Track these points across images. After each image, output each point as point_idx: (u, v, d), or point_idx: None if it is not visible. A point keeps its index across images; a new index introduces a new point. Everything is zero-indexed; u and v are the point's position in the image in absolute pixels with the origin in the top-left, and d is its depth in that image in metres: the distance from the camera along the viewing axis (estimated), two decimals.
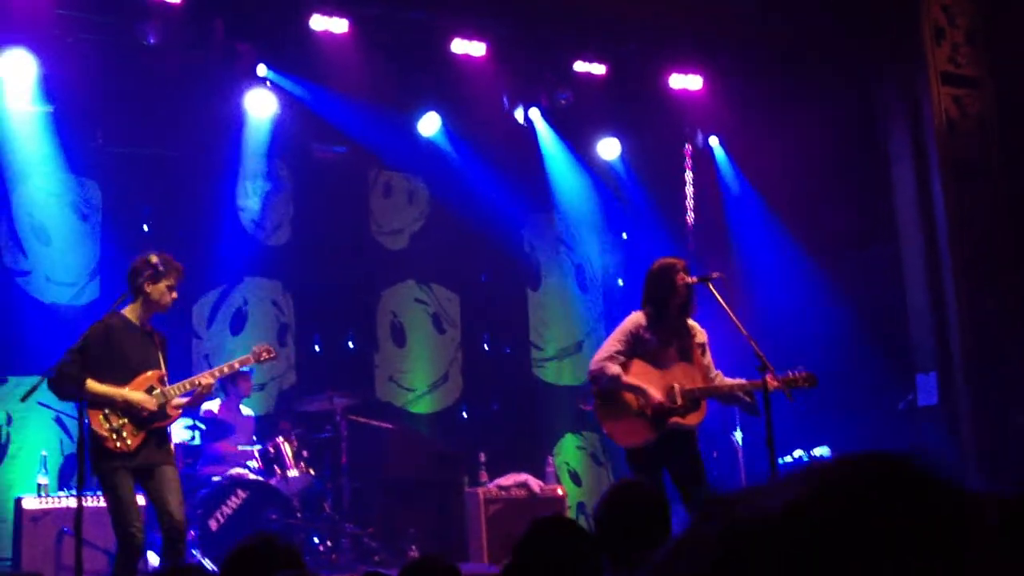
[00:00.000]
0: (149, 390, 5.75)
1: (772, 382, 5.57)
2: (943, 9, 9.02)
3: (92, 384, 5.54)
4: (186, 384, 5.89)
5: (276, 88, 9.23)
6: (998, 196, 8.87)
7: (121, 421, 5.62)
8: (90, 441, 5.55)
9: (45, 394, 5.84)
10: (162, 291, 5.78)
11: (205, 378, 5.96)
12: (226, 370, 6.21)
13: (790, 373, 5.70)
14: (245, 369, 8.42)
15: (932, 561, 0.66)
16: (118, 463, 5.57)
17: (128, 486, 5.59)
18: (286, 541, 2.74)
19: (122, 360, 5.68)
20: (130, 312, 5.82)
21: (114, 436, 5.56)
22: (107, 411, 5.60)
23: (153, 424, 5.72)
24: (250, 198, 9.84)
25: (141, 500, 5.84)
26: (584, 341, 10.81)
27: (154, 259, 5.80)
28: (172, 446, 6.01)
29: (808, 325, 9.71)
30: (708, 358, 6.05)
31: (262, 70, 9.07)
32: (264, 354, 6.36)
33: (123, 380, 5.69)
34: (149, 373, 5.80)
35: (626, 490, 3.68)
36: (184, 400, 5.92)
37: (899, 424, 9.05)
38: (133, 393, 5.68)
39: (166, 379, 5.87)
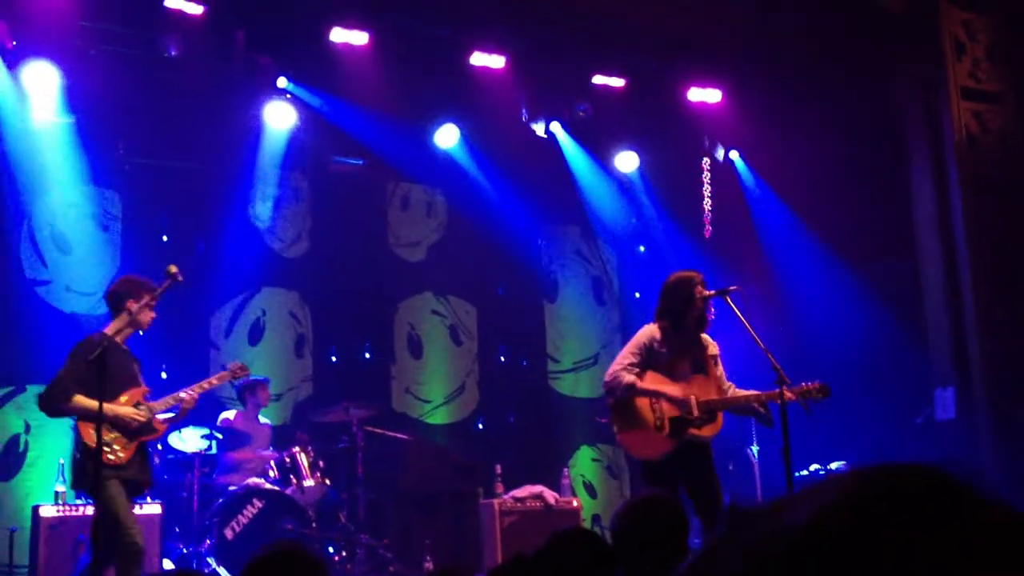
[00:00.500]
0: (135, 406, 5.95)
1: (786, 393, 5.56)
2: (963, 24, 9.00)
3: (80, 399, 5.71)
4: (169, 400, 6.13)
5: (295, 100, 9.28)
6: (1018, 211, 8.82)
7: (112, 435, 5.80)
8: (82, 455, 5.78)
9: None
10: (142, 309, 5.96)
11: (187, 394, 6.16)
12: (205, 386, 6.36)
13: (804, 384, 5.69)
14: (259, 379, 8.48)
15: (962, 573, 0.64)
16: (111, 475, 5.72)
17: (123, 494, 5.76)
18: (309, 550, 2.73)
19: (109, 377, 5.74)
20: (111, 331, 5.99)
21: (106, 449, 5.71)
22: (99, 426, 5.75)
23: (141, 438, 5.94)
24: (269, 210, 9.88)
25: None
26: (600, 354, 10.79)
27: (134, 279, 6.08)
28: (152, 464, 6.28)
29: (825, 338, 9.68)
30: (721, 370, 6.04)
31: (282, 82, 9.12)
32: (239, 371, 6.73)
33: (111, 396, 5.81)
34: (134, 390, 6.00)
35: (646, 503, 3.66)
36: (169, 415, 6.17)
37: (916, 439, 9.00)
38: (122, 408, 5.87)
39: (148, 395, 6.11)
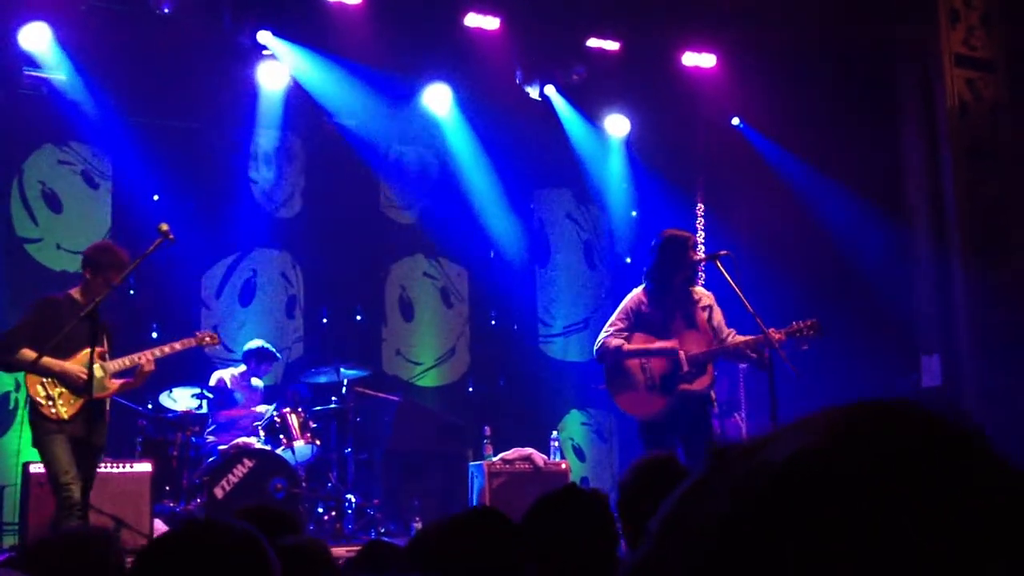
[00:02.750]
0: (87, 365, 5.84)
1: (776, 334, 5.62)
2: None
3: (27, 353, 5.75)
4: (126, 360, 6.14)
5: (288, 60, 9.22)
6: (1008, 179, 8.84)
7: (58, 390, 5.87)
8: (30, 409, 5.90)
9: None
10: (101, 282, 5.92)
11: (146, 356, 6.19)
12: (166, 350, 6.35)
13: (794, 323, 5.75)
14: (272, 352, 8.49)
15: (957, 507, 0.62)
16: (54, 430, 5.81)
17: (64, 448, 5.79)
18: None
19: (65, 336, 5.72)
20: (77, 293, 6.05)
21: (49, 403, 5.83)
22: (45, 380, 5.87)
23: (92, 396, 5.75)
24: (261, 170, 9.85)
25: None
26: (591, 318, 10.81)
27: (109, 254, 6.05)
28: (106, 425, 6.14)
29: (813, 304, 9.69)
30: (718, 318, 6.08)
31: (273, 42, 9.06)
32: (207, 339, 6.70)
33: (64, 354, 5.86)
34: (89, 349, 5.82)
35: (651, 464, 3.73)
36: (119, 381, 6.16)
37: None
38: (68, 364, 5.88)
39: (107, 356, 6.09)
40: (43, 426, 5.86)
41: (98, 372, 5.87)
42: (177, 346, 6.47)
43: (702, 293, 6.12)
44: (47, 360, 5.79)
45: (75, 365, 5.89)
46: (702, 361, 5.92)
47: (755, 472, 0.66)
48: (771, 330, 5.65)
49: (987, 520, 0.62)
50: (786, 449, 0.66)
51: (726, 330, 6.06)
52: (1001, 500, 0.63)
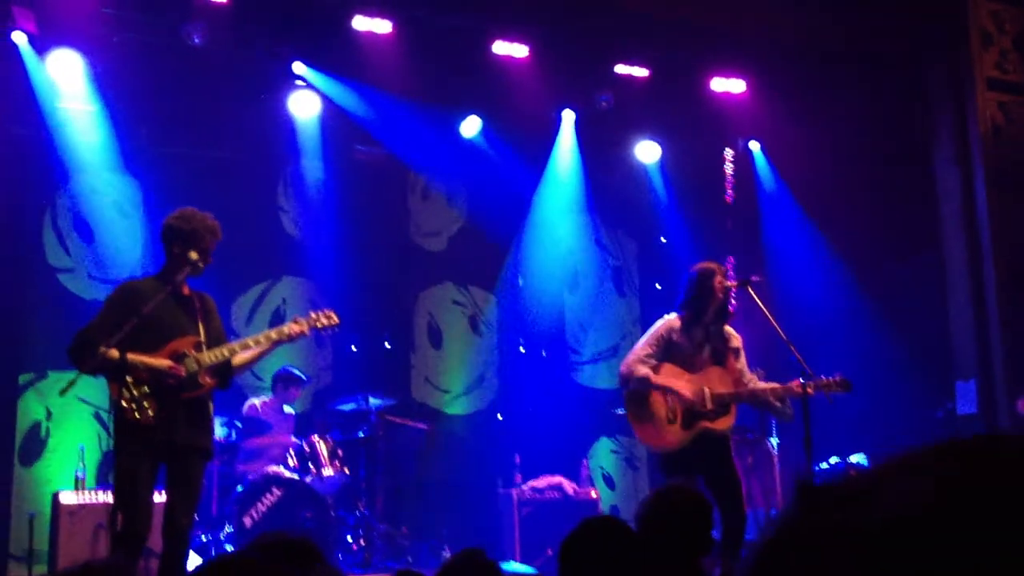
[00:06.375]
0: (180, 357, 5.18)
1: (805, 387, 5.53)
2: (991, 15, 8.90)
3: (111, 352, 4.98)
4: (224, 351, 5.29)
5: (318, 89, 9.28)
6: None
7: (143, 390, 5.05)
8: (113, 415, 5.06)
9: (85, 389, 5.84)
10: (192, 255, 5.24)
11: (253, 341, 5.42)
12: (273, 336, 5.47)
13: (824, 378, 5.65)
14: (301, 376, 8.48)
15: None
16: (140, 442, 5.01)
17: (145, 479, 5.03)
18: (303, 536, 2.72)
19: (150, 326, 5.09)
20: (162, 275, 5.34)
21: (134, 406, 5.01)
22: (129, 380, 5.02)
23: (182, 395, 5.14)
24: (290, 198, 9.90)
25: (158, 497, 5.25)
26: (620, 344, 10.76)
27: (195, 219, 5.33)
28: (211, 427, 5.36)
29: (848, 331, 9.63)
30: (743, 362, 6.01)
31: (305, 71, 9.12)
32: (323, 319, 5.67)
33: (150, 348, 5.12)
34: (183, 339, 5.23)
35: (671, 493, 3.73)
36: (213, 380, 5.31)
37: (937, 433, 8.95)
38: (155, 359, 5.10)
39: (203, 346, 5.26)
40: (125, 434, 5.01)
41: (191, 366, 5.16)
42: (292, 330, 5.51)
43: (732, 334, 6.06)
44: (133, 357, 5.02)
45: (162, 359, 5.12)
46: (727, 401, 5.85)
47: (860, 527, 0.63)
48: (796, 382, 5.58)
49: None
50: (898, 502, 0.64)
51: (748, 375, 5.99)
52: None
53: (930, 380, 9.21)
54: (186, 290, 5.37)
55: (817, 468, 8.32)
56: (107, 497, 6.86)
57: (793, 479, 0.71)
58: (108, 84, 8.74)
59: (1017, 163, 8.78)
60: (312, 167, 9.92)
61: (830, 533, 0.65)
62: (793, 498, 0.69)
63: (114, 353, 4.99)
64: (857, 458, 8.49)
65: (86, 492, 7.27)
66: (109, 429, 5.13)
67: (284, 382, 8.47)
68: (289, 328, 5.51)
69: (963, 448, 0.67)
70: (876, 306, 9.71)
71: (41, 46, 8.40)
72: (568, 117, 10.11)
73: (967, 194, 8.92)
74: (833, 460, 8.59)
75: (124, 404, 5.01)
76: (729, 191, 10.62)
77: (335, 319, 5.72)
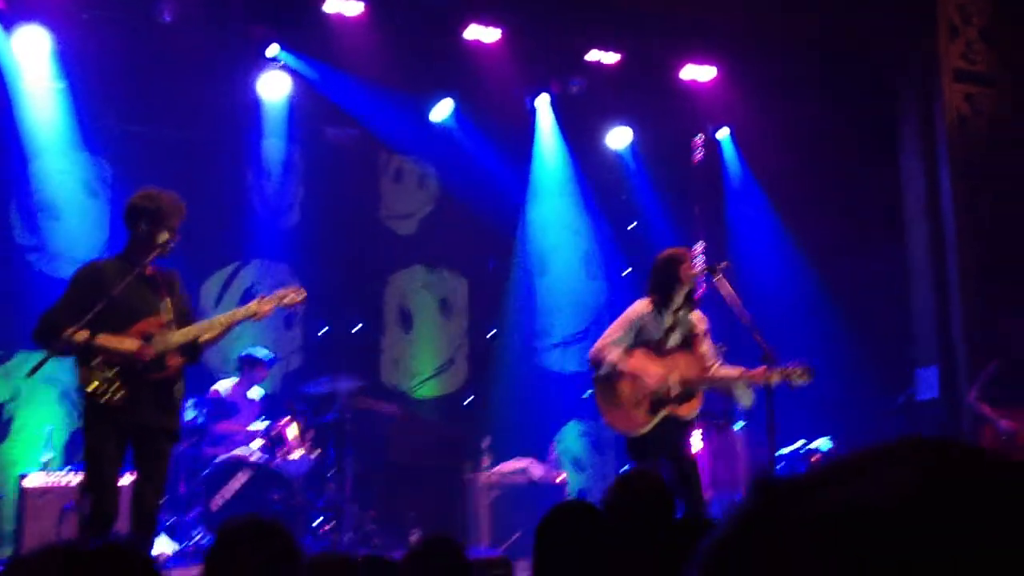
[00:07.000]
0: (148, 339, 5.12)
1: (769, 374, 5.58)
2: (958, 7, 8.99)
3: (78, 333, 4.92)
4: (192, 330, 5.24)
5: (289, 70, 9.23)
6: (1006, 193, 8.85)
7: (112, 372, 4.98)
8: (81, 396, 5.06)
9: (53, 369, 5.79)
10: (155, 235, 5.19)
11: (218, 321, 5.38)
12: (240, 315, 5.40)
13: (788, 366, 5.70)
14: (264, 358, 8.46)
15: None
16: (108, 423, 4.98)
17: (113, 461, 5.01)
18: (274, 521, 2.74)
19: (117, 307, 5.03)
20: (126, 254, 5.28)
21: (103, 388, 4.96)
22: (95, 362, 4.98)
23: (150, 375, 5.09)
24: (260, 179, 9.85)
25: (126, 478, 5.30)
26: (590, 329, 10.80)
27: (157, 198, 5.26)
28: (179, 409, 5.34)
29: (812, 317, 9.74)
30: (708, 346, 6.07)
31: (276, 51, 9.07)
32: (292, 294, 5.59)
33: (116, 328, 5.06)
34: (150, 320, 5.18)
35: (636, 478, 3.79)
36: (181, 359, 5.25)
37: (897, 418, 9.10)
38: (123, 341, 5.04)
39: (172, 325, 5.20)
40: (93, 416, 4.98)
41: (159, 347, 5.10)
42: (258, 307, 5.38)
43: (700, 318, 6.11)
44: (101, 338, 4.97)
45: (129, 340, 5.04)
46: (693, 387, 5.90)
47: (819, 520, 0.64)
48: (763, 368, 5.62)
49: None
50: (850, 496, 0.64)
51: (712, 359, 6.04)
52: None
53: (892, 366, 9.35)
54: (150, 270, 5.31)
55: (781, 453, 8.43)
56: (74, 479, 6.84)
57: (752, 472, 0.71)
58: (77, 61, 8.65)
59: (982, 154, 8.89)
60: (282, 148, 9.87)
61: (786, 525, 0.65)
62: (749, 492, 0.70)
63: (82, 335, 4.94)
64: (822, 443, 8.60)
65: (52, 474, 7.23)
66: (78, 410, 5.06)
67: (249, 364, 8.45)
68: (257, 306, 5.44)
69: (915, 445, 0.68)
70: (840, 293, 9.83)
71: (8, 21, 8.30)
72: (544, 101, 10.13)
73: (932, 184, 9.03)
74: (798, 444, 8.71)
75: (93, 386, 4.97)
76: (699, 177, 10.69)
77: (302, 294, 5.66)
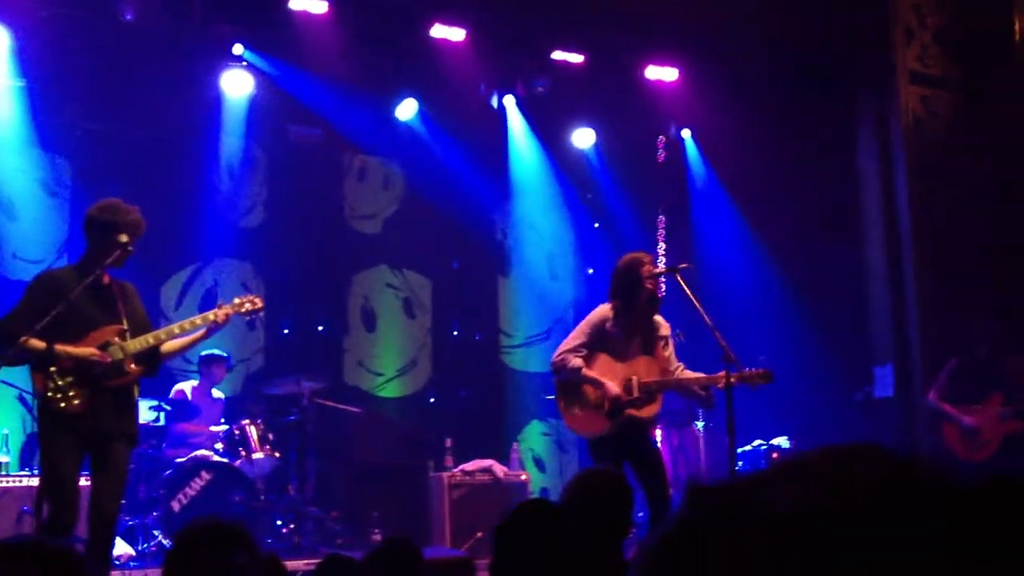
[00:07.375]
0: (104, 346, 5.14)
1: (729, 378, 5.63)
2: (914, 8, 9.11)
3: (34, 342, 4.92)
4: (149, 339, 5.25)
5: (253, 68, 9.20)
6: (960, 193, 8.98)
7: (68, 379, 5.00)
8: (37, 405, 5.06)
9: (8, 372, 5.72)
10: (115, 242, 5.18)
11: (179, 328, 5.39)
12: (198, 322, 5.41)
13: (747, 370, 5.75)
14: (218, 354, 8.42)
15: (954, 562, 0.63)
16: (65, 430, 4.98)
17: (70, 467, 5.00)
18: (234, 521, 2.75)
19: (72, 316, 5.03)
20: (82, 263, 5.27)
21: (59, 396, 4.97)
22: (52, 369, 4.99)
23: (107, 382, 5.10)
24: (223, 179, 9.80)
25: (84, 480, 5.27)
26: (553, 329, 10.85)
27: (115, 209, 5.26)
28: (136, 413, 5.35)
29: (771, 317, 9.84)
30: (670, 351, 6.11)
31: (239, 50, 9.03)
32: (248, 304, 5.66)
33: (74, 337, 5.08)
34: (105, 328, 5.19)
35: (594, 477, 3.80)
36: (139, 367, 5.26)
37: (855, 415, 9.22)
38: (79, 348, 5.06)
39: (127, 334, 5.23)
40: (50, 423, 4.97)
41: (116, 354, 5.12)
42: (215, 315, 5.42)
43: (661, 323, 6.15)
44: (59, 347, 4.98)
45: (86, 348, 5.06)
46: (653, 390, 5.95)
47: (752, 524, 0.66)
48: (721, 373, 5.67)
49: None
50: (783, 500, 0.66)
51: (675, 363, 6.09)
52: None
53: (850, 365, 9.46)
54: (106, 279, 5.31)
55: (742, 451, 8.51)
56: (31, 481, 6.77)
57: (688, 480, 0.73)
58: (36, 59, 8.57)
59: (937, 155, 9.02)
60: (245, 147, 9.83)
61: (720, 529, 0.67)
62: (684, 497, 0.71)
63: (37, 343, 4.94)
64: (780, 441, 8.70)
65: (9, 476, 7.16)
66: (33, 413, 5.04)
67: (207, 363, 8.42)
68: (214, 314, 5.46)
69: (847, 452, 0.70)
70: (798, 293, 9.93)
71: None
72: (510, 102, 10.15)
73: (887, 184, 9.16)
74: (757, 443, 8.79)
75: (49, 394, 4.97)
76: (663, 176, 10.76)
77: (259, 303, 5.72)
